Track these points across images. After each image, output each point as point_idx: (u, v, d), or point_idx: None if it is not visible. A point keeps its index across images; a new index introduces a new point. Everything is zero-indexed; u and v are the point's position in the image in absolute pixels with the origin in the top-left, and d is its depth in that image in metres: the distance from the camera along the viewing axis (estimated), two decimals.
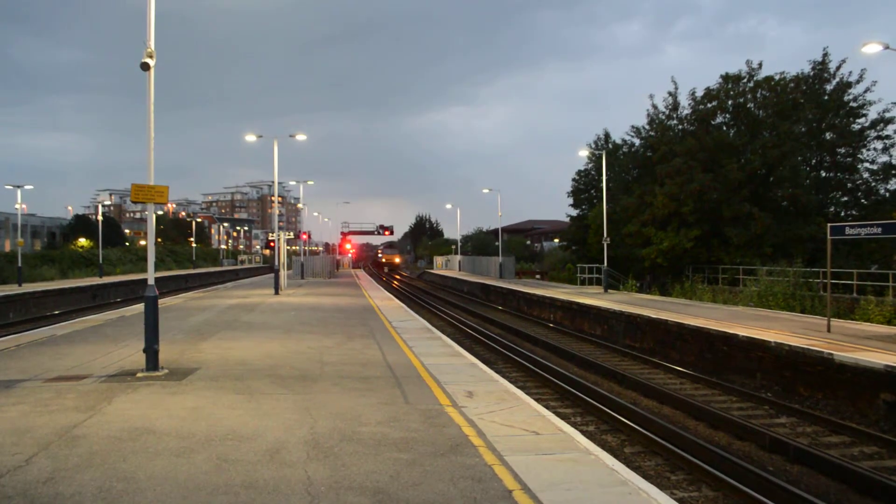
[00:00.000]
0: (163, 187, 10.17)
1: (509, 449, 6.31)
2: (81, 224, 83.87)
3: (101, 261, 48.88)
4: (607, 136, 49.70)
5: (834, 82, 34.82)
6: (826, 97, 34.70)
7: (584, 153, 45.72)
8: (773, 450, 9.62)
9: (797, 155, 34.09)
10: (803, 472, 8.83)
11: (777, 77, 35.47)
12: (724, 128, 37.30)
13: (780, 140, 33.04)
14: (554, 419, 7.65)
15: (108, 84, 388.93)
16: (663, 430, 10.09)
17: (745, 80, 36.27)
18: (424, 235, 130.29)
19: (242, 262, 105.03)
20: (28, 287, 33.72)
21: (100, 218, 55.82)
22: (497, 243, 58.45)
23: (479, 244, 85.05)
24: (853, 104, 34.03)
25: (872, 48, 16.28)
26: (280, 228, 43.37)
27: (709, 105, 37.08)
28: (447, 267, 73.89)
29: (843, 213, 35.23)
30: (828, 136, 34.88)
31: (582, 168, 50.52)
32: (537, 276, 54.15)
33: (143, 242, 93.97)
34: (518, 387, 10.61)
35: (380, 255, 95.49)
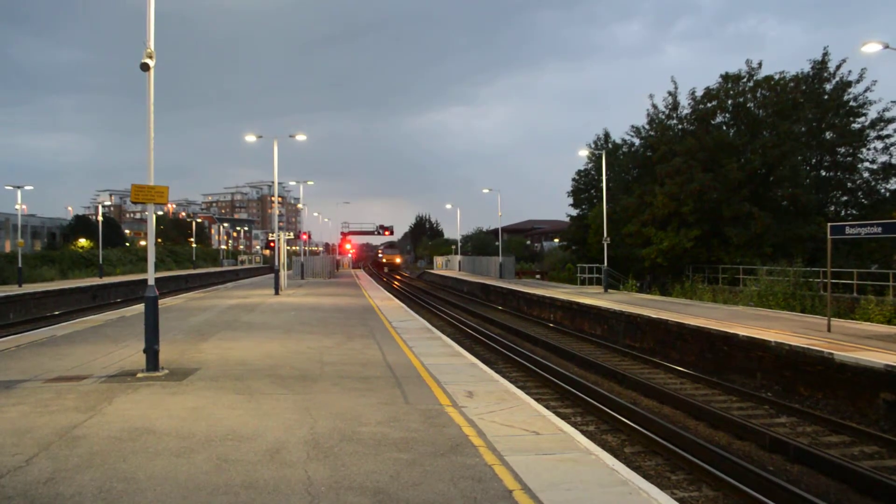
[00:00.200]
0: (163, 188, 10.17)
1: (509, 449, 6.31)
2: (81, 224, 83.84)
3: (101, 261, 48.87)
4: (607, 135, 49.72)
5: (834, 82, 34.80)
6: (826, 97, 34.67)
7: (584, 153, 45.73)
8: (773, 449, 9.62)
9: (797, 154, 34.08)
10: (803, 472, 8.83)
11: (777, 77, 35.47)
12: (724, 127, 37.29)
13: (780, 140, 33.03)
14: (554, 419, 7.65)
15: (108, 84, 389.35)
16: (663, 430, 10.09)
17: (744, 80, 36.26)
18: (424, 235, 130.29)
19: (242, 262, 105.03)
20: (28, 287, 33.73)
21: (100, 218, 55.83)
22: (497, 243, 58.46)
23: (479, 244, 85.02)
24: (853, 104, 34.01)
25: (872, 48, 16.28)
26: (280, 229, 43.37)
27: (709, 105, 37.07)
28: (447, 267, 73.88)
29: (843, 213, 35.22)
30: (828, 135, 34.86)
31: (582, 168, 50.57)
32: (537, 276, 54.14)
33: (143, 243, 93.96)
34: (518, 387, 10.60)
35: (380, 255, 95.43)
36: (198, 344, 13.33)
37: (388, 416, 7.52)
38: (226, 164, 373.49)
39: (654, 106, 41.29)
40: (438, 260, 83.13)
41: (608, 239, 31.80)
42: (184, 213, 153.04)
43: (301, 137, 33.32)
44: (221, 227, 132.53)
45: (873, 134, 33.73)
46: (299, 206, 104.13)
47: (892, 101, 32.67)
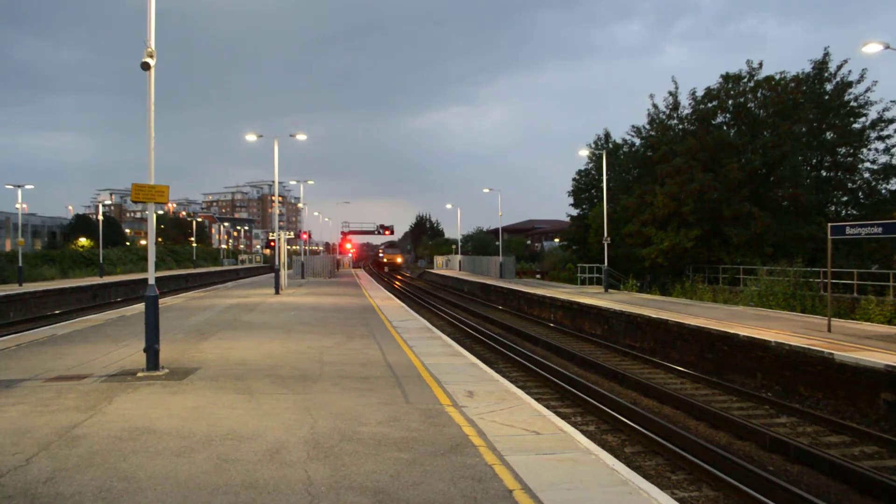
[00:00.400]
0: (163, 187, 10.17)
1: (510, 449, 6.31)
2: (82, 224, 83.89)
3: (101, 260, 48.90)
4: (607, 135, 49.70)
5: (835, 82, 34.77)
6: (827, 97, 34.66)
7: (585, 153, 45.71)
8: (773, 449, 9.62)
9: (798, 155, 34.06)
10: (804, 472, 8.83)
11: (777, 77, 35.44)
12: (725, 127, 37.28)
13: (780, 140, 33.02)
14: (554, 419, 7.65)
15: (109, 84, 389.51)
16: (664, 430, 10.08)
17: (745, 80, 36.25)
18: (425, 235, 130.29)
19: (243, 261, 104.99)
20: (28, 287, 33.74)
21: (100, 217, 55.86)
22: (497, 243, 58.45)
23: (479, 244, 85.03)
24: (854, 104, 34.00)
25: (873, 48, 16.27)
26: (280, 228, 43.37)
27: (709, 105, 37.06)
28: (447, 267, 73.86)
29: (843, 213, 35.20)
30: (828, 135, 34.84)
31: (582, 168, 50.56)
32: (538, 276, 54.14)
33: (143, 242, 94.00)
34: (518, 386, 10.60)
35: (381, 255, 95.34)
36: (198, 343, 13.33)
37: (388, 415, 7.52)
38: (226, 163, 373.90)
39: (655, 106, 41.33)
40: (439, 259, 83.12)
41: (608, 239, 31.79)
42: (184, 213, 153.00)
43: (301, 137, 33.32)
44: (222, 227, 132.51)
45: (874, 134, 33.72)
46: (300, 205, 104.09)
47: (891, 101, 32.68)
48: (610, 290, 31.81)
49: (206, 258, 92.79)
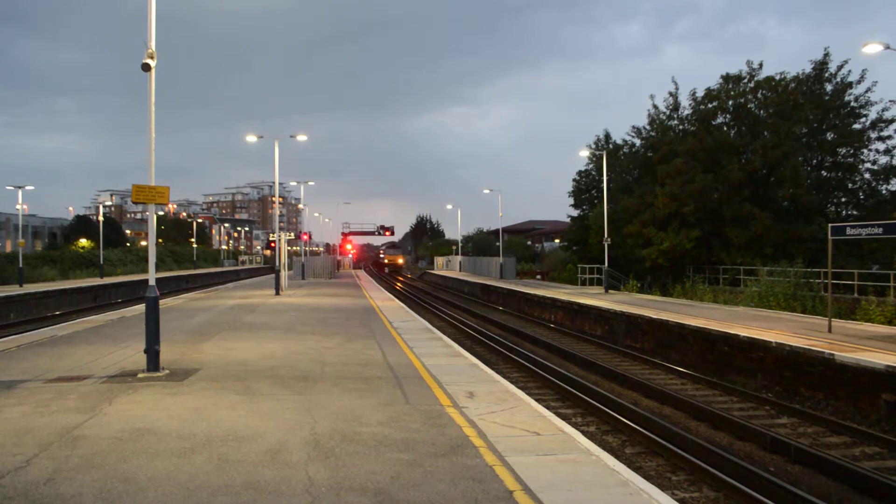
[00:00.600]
0: (163, 188, 10.18)
1: (510, 449, 6.31)
2: (82, 224, 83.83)
3: (101, 261, 48.89)
4: (608, 136, 49.68)
5: (835, 82, 34.75)
6: (827, 97, 34.65)
7: (585, 153, 45.72)
8: (774, 450, 9.61)
9: (798, 155, 34.04)
10: (804, 473, 8.83)
11: (777, 77, 35.44)
12: (725, 128, 37.28)
13: (780, 140, 33.01)
14: (555, 420, 7.65)
15: (110, 85, 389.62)
16: (664, 431, 10.08)
17: (745, 81, 36.26)
18: (425, 236, 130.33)
19: (243, 262, 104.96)
20: (29, 287, 33.74)
21: (101, 218, 55.86)
22: (498, 244, 58.45)
23: (479, 244, 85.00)
24: (854, 104, 33.98)
25: (873, 48, 16.27)
26: (281, 229, 43.37)
27: (709, 105, 37.06)
28: (448, 267, 73.87)
29: (843, 214, 35.17)
30: (829, 136, 34.83)
31: (583, 168, 50.52)
32: (538, 277, 54.11)
33: (143, 243, 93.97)
34: (519, 387, 10.60)
35: (382, 256, 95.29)
36: (198, 344, 13.33)
37: (388, 416, 7.52)
38: (227, 164, 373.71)
39: (655, 106, 41.36)
40: (439, 260, 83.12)
41: (609, 239, 31.78)
42: (185, 214, 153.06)
43: (302, 138, 33.32)
44: (222, 228, 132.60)
45: (874, 135, 33.70)
46: (300, 206, 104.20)
47: (891, 101, 32.65)
48: (610, 291, 31.81)
49: (206, 259, 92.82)
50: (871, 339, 14.43)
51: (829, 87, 34.98)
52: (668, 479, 8.40)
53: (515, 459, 5.99)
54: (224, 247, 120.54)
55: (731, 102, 36.62)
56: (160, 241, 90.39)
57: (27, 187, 38.97)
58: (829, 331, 15.47)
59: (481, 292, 42.80)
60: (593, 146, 48.86)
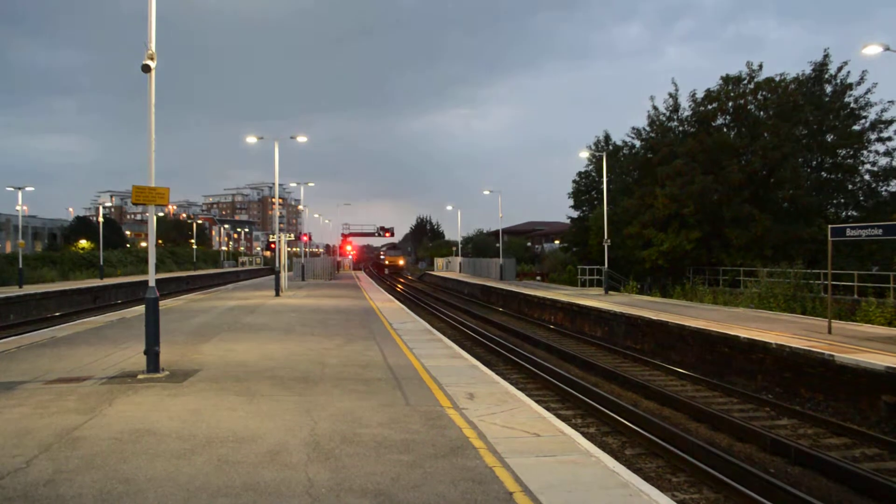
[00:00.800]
0: (163, 189, 10.18)
1: (510, 451, 6.30)
2: (82, 225, 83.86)
3: (101, 262, 48.87)
4: (608, 137, 49.70)
5: (834, 83, 34.77)
6: (827, 98, 34.67)
7: (585, 155, 45.74)
8: (774, 451, 9.61)
9: (798, 156, 34.07)
10: (804, 474, 8.83)
11: (777, 78, 35.47)
12: (725, 129, 37.30)
13: (780, 141, 33.03)
14: (555, 421, 7.64)
15: (110, 86, 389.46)
16: (664, 432, 10.08)
17: (745, 82, 36.26)
18: (425, 237, 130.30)
19: (243, 263, 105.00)
20: (29, 288, 33.73)
21: (100, 219, 55.91)
22: (498, 245, 58.44)
23: (479, 246, 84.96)
24: (854, 105, 34.00)
25: (872, 50, 16.28)
26: (281, 230, 43.38)
27: (709, 106, 37.06)
28: (448, 268, 73.85)
29: (843, 215, 35.18)
30: (828, 137, 34.85)
31: (582, 170, 50.50)
32: (538, 278, 54.10)
33: (143, 244, 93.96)
34: (519, 388, 10.61)
35: (382, 257, 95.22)
36: (198, 345, 13.33)
37: (388, 417, 7.52)
38: (226, 165, 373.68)
39: (655, 108, 41.35)
40: (439, 261, 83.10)
41: (609, 241, 31.80)
42: (184, 215, 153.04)
43: (302, 139, 33.32)
44: (222, 229, 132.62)
45: (874, 136, 33.71)
46: (300, 207, 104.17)
47: (889, 102, 32.66)
48: (610, 292, 31.80)
49: (206, 260, 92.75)
50: (871, 340, 14.44)
51: (828, 89, 35.00)
52: (669, 481, 8.39)
53: (515, 461, 5.99)
54: (224, 248, 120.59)
55: (730, 104, 36.63)
56: (160, 242, 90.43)
57: (27, 188, 39.10)
58: (829, 332, 15.47)
59: (481, 293, 42.79)
60: (593, 147, 48.88)
